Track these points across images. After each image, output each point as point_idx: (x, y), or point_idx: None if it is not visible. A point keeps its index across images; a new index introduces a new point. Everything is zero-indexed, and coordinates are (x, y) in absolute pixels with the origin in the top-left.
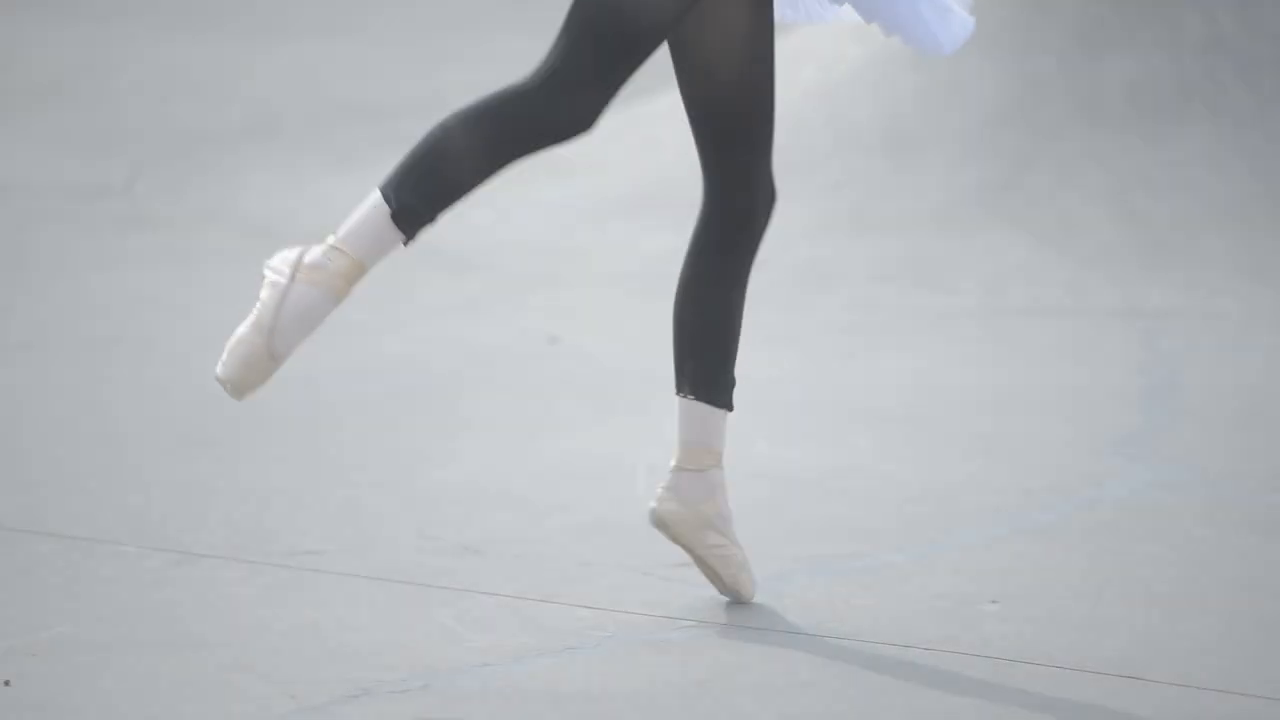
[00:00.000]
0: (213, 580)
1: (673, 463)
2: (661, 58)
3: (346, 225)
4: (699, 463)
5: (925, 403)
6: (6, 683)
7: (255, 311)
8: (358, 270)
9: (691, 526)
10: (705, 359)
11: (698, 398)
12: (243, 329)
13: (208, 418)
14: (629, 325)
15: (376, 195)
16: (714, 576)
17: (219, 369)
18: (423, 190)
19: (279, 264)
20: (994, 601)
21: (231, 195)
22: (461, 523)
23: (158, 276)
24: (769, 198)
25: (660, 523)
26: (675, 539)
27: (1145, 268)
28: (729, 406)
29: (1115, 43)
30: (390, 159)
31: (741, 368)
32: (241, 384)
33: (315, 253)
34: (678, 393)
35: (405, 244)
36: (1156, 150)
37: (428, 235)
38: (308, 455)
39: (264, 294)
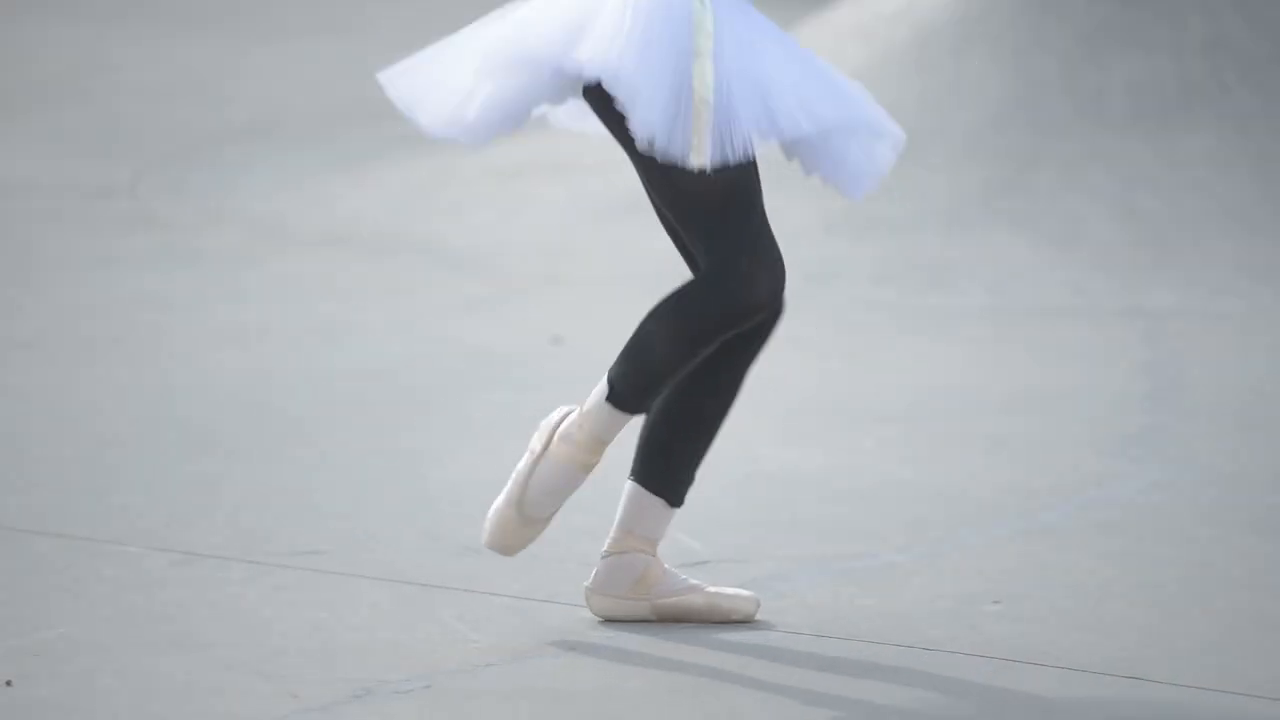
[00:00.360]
0: (215, 580)
1: (604, 546)
2: None
3: (590, 398)
4: (627, 546)
5: (928, 403)
6: (8, 683)
7: (511, 480)
8: (598, 444)
9: (635, 610)
10: (673, 459)
11: (650, 490)
12: (499, 501)
13: (210, 417)
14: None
15: (604, 378)
16: (701, 621)
17: (484, 538)
18: (634, 383)
19: (543, 428)
20: (997, 602)
21: (233, 195)
22: (464, 523)
23: (160, 276)
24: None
25: (599, 613)
26: (629, 618)
27: (1148, 268)
28: (680, 504)
29: (1119, 43)
30: (391, 159)
31: None
32: (506, 549)
33: (570, 421)
34: (631, 476)
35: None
36: (1160, 151)
37: (430, 234)
38: (309, 455)
39: (520, 463)
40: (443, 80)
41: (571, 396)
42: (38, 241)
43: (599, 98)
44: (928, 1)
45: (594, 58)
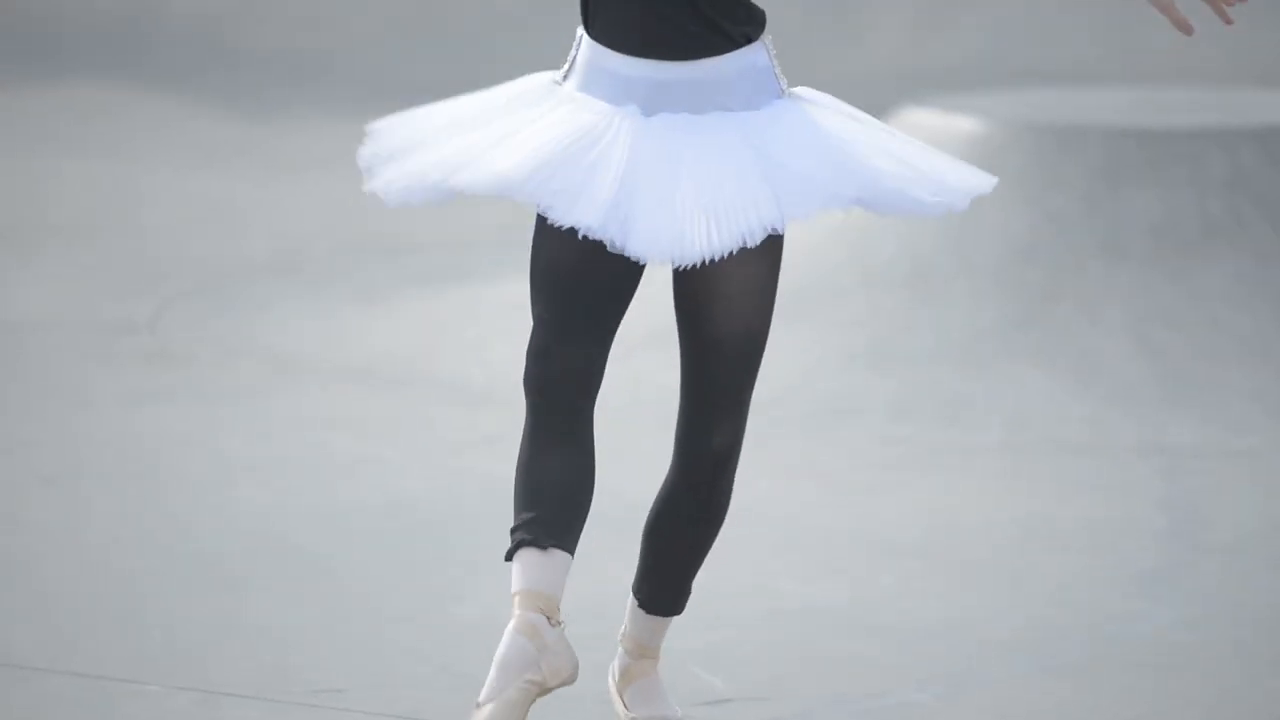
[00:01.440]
0: None
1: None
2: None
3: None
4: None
5: (947, 538)
6: None
7: None
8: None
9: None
10: (666, 581)
11: (649, 611)
12: None
13: (229, 553)
14: (651, 461)
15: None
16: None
17: None
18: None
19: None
20: None
21: (253, 329)
22: (486, 659)
23: (179, 411)
24: (728, 443)
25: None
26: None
27: (1168, 403)
28: (679, 613)
29: (1138, 179)
30: (411, 295)
31: (762, 501)
32: None
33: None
34: (632, 591)
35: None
36: (1179, 286)
37: (450, 369)
38: (330, 591)
39: None
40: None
41: (593, 528)
42: (57, 377)
43: None
44: (945, 139)
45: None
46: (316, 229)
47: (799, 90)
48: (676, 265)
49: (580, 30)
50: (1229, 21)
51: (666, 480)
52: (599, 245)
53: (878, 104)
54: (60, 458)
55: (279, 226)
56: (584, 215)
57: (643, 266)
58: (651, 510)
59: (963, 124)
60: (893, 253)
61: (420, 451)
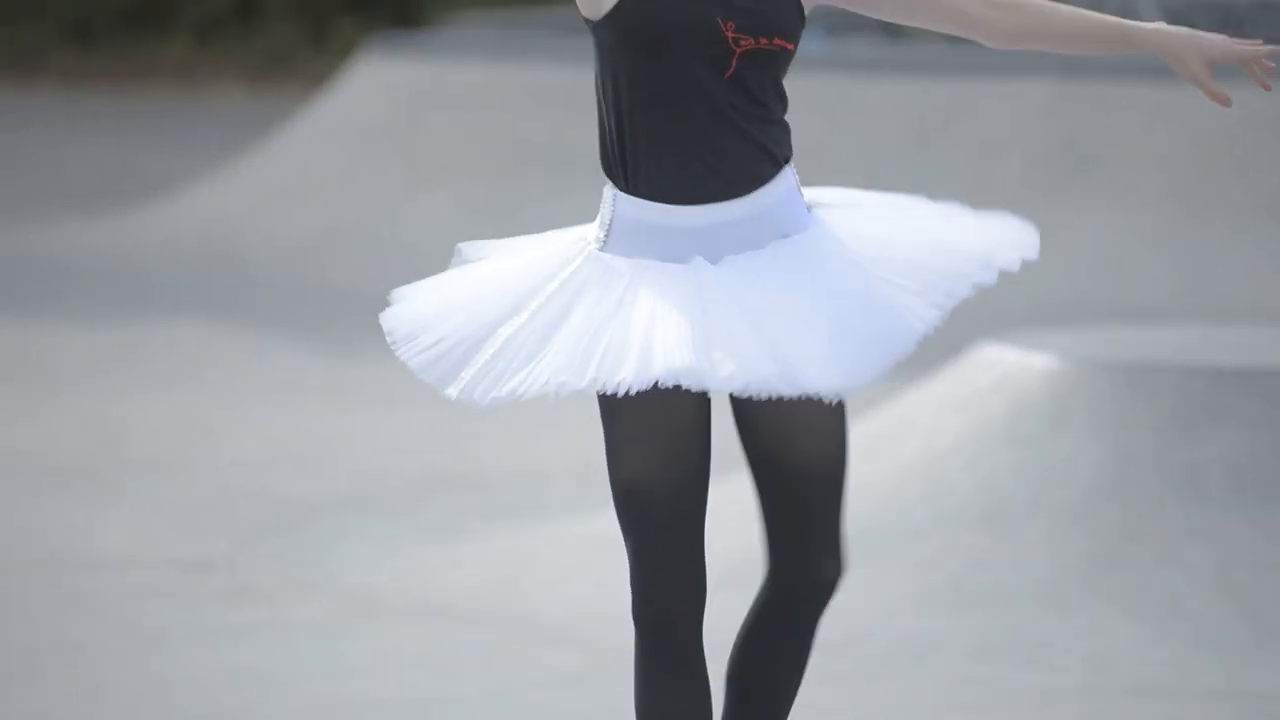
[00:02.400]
0: None
1: None
2: None
3: None
4: None
5: None
6: None
7: None
8: None
9: None
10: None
11: None
12: None
13: None
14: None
15: None
16: None
17: None
18: None
19: None
20: None
21: (329, 566)
22: None
23: (256, 649)
24: (838, 570)
25: None
26: None
27: (1251, 647)
28: None
29: (1214, 419)
30: (490, 530)
31: None
32: None
33: None
34: None
35: None
36: (1260, 528)
37: (526, 606)
38: None
39: None
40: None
41: None
42: (134, 617)
43: None
44: (1022, 376)
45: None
46: (393, 464)
47: (812, 198)
48: (783, 395)
49: (611, 190)
50: (1267, 88)
51: (759, 624)
52: (678, 421)
53: (954, 340)
54: (133, 698)
55: (356, 461)
56: (676, 359)
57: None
58: (741, 655)
59: (1038, 362)
60: (968, 491)
61: (500, 691)
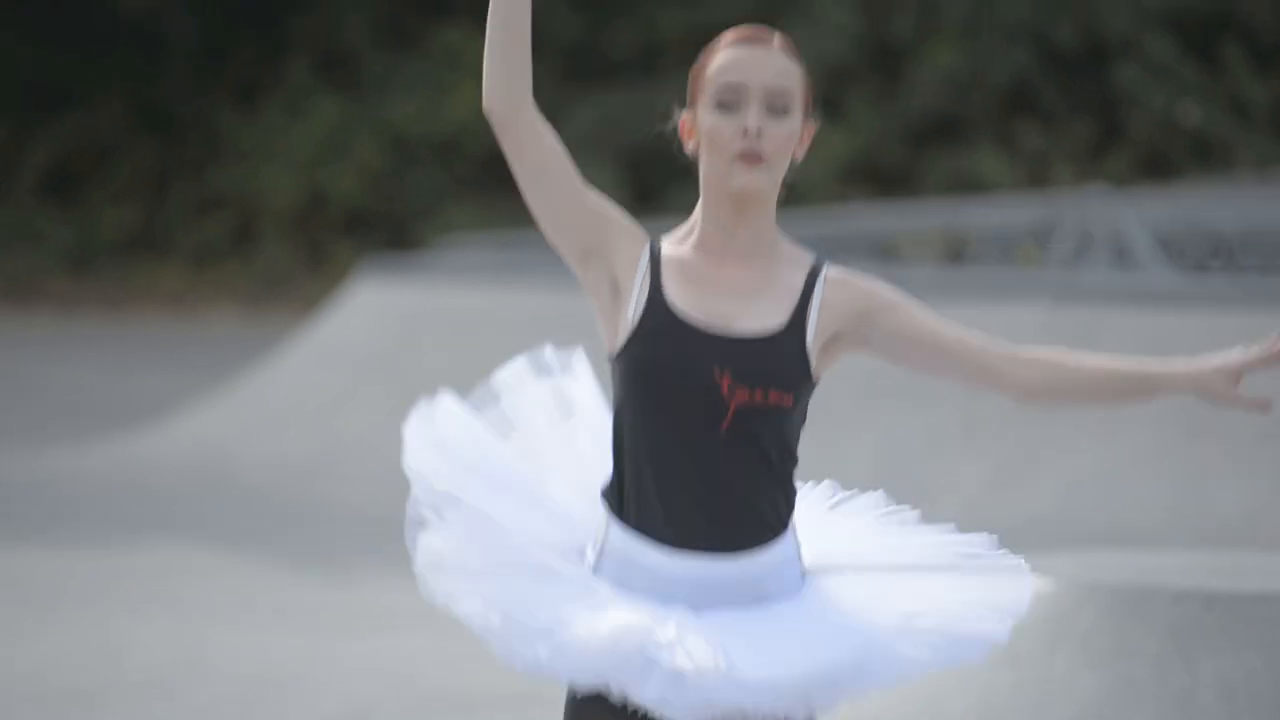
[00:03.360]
0: None
1: None
2: None
3: None
4: None
5: None
6: None
7: None
8: None
9: None
10: None
11: None
12: None
13: None
14: None
15: None
16: None
17: None
18: None
19: None
20: None
21: None
22: None
23: None
24: None
25: None
26: None
27: None
28: None
29: (1209, 643)
30: None
31: None
32: None
33: None
34: None
35: None
36: None
37: None
38: None
39: None
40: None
41: None
42: None
43: None
44: None
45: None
46: (385, 688)
47: (809, 558)
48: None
49: (606, 514)
50: (1266, 411)
51: None
52: None
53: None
54: None
55: (348, 686)
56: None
57: None
58: None
59: (1034, 583)
60: (965, 712)
61: None
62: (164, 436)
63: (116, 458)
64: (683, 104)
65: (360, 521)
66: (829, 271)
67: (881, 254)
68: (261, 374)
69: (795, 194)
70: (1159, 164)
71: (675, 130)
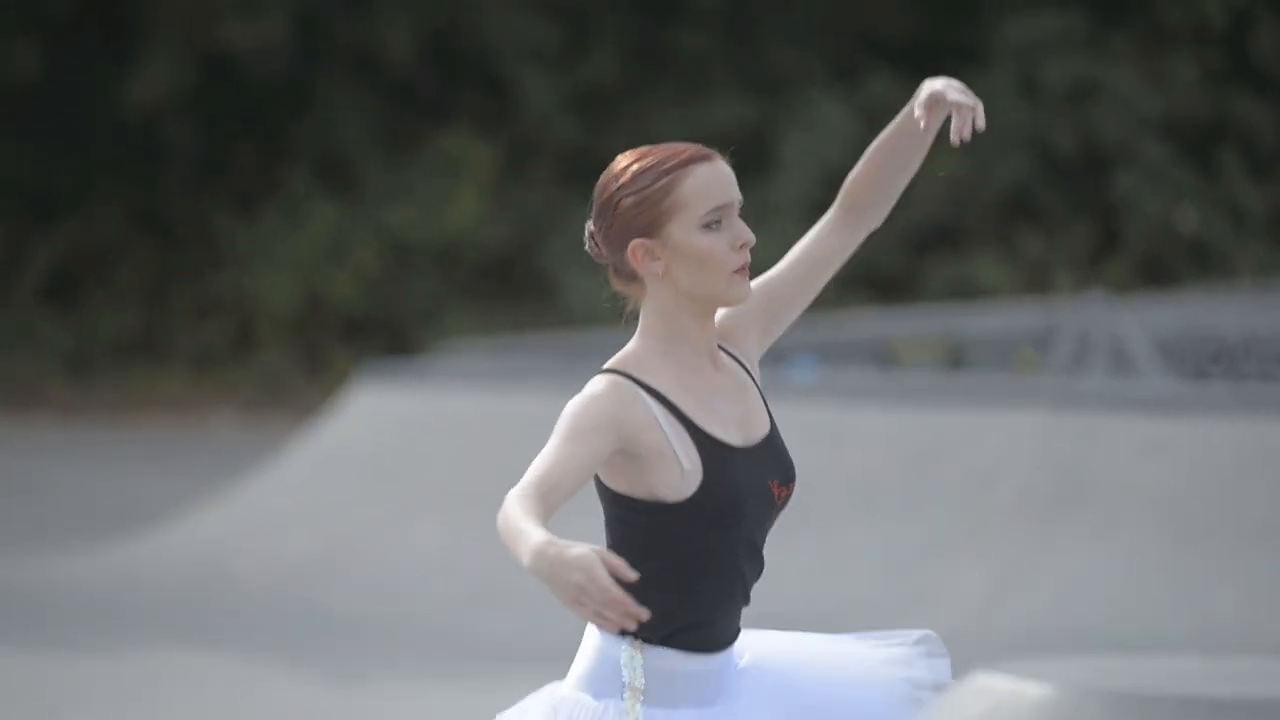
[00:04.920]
0: None
1: None
2: None
3: None
4: None
5: None
6: None
7: None
8: None
9: None
10: None
11: None
12: None
13: None
14: None
15: None
16: None
17: None
18: None
19: None
20: None
21: None
22: None
23: None
24: None
25: None
26: None
27: None
28: None
29: None
30: None
31: None
32: None
33: None
34: None
35: None
36: None
37: None
38: None
39: None
40: None
41: None
42: None
43: None
44: (1016, 705)
45: None
46: None
47: (740, 646)
48: None
49: (629, 649)
50: (960, 140)
51: None
52: None
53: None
54: None
55: None
56: None
57: None
58: None
59: (1033, 691)
60: None
61: None
62: (164, 541)
63: (117, 562)
64: (617, 231)
65: (360, 625)
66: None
67: (880, 359)
68: (261, 478)
69: None
70: (1158, 270)
71: (600, 253)
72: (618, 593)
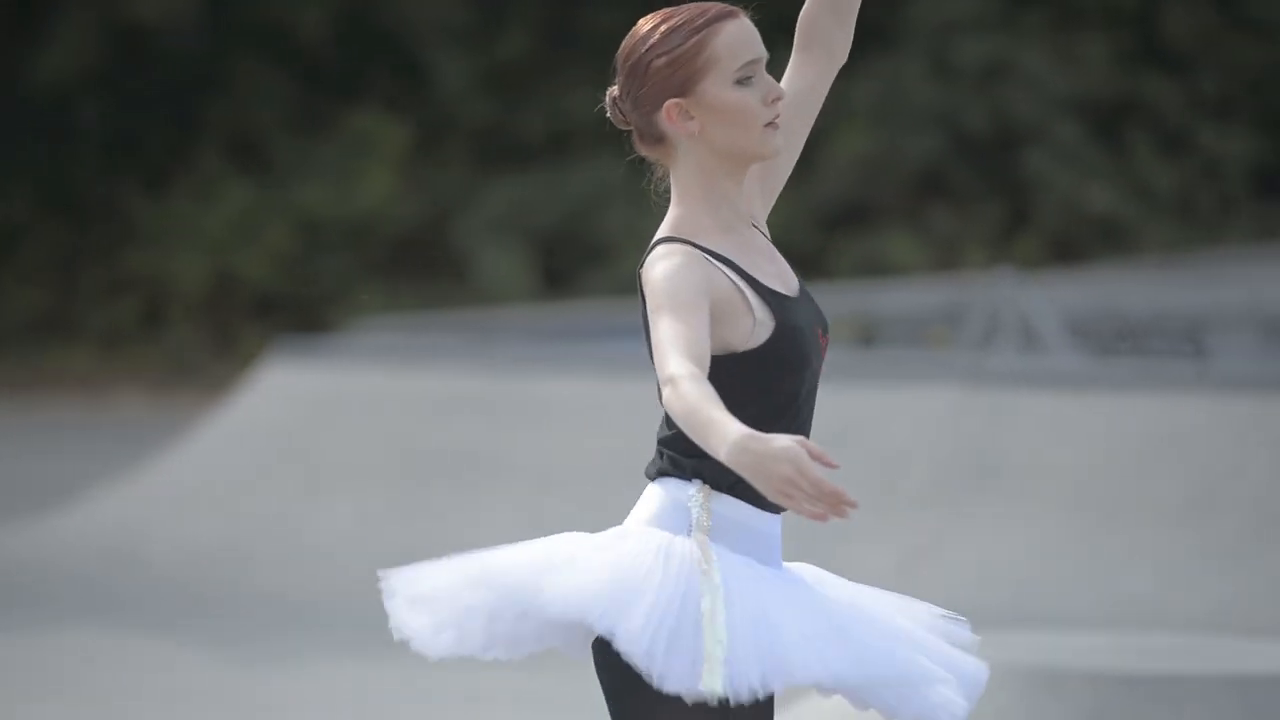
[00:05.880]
0: None
1: None
2: None
3: None
4: None
5: None
6: None
7: None
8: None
9: None
10: None
11: None
12: None
13: None
14: None
15: None
16: None
17: None
18: None
19: None
20: None
21: None
22: None
23: None
24: None
25: None
26: None
27: None
28: None
29: None
30: None
31: None
32: None
33: None
34: None
35: None
36: None
37: None
38: None
39: None
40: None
41: None
42: None
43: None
44: None
45: (561, 595)
46: None
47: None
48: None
49: (697, 491)
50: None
51: None
52: None
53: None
54: None
55: None
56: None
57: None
58: None
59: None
60: None
61: None
62: (71, 520)
63: (23, 541)
64: (650, 93)
65: (270, 604)
66: None
67: None
68: (171, 457)
69: None
70: (1068, 247)
71: (632, 114)
72: (829, 484)
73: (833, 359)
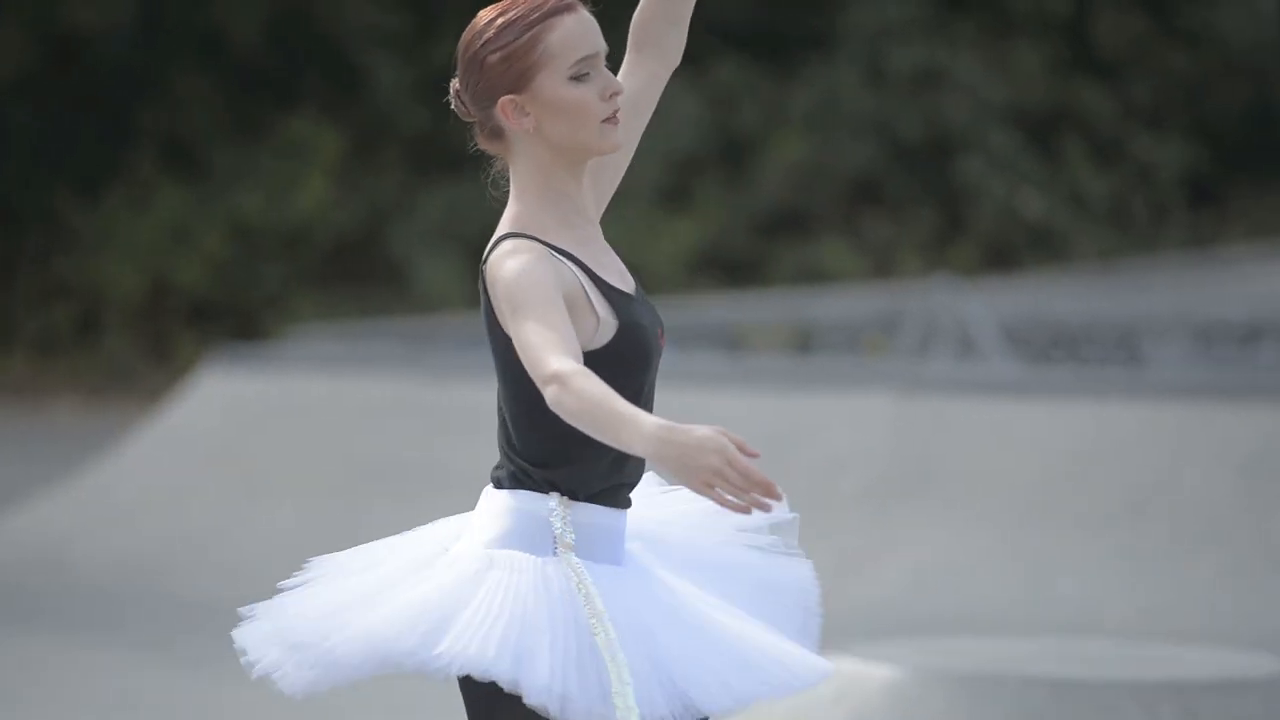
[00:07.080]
0: None
1: None
2: None
3: None
4: None
5: None
6: None
7: None
8: None
9: None
10: None
11: None
12: None
13: None
14: None
15: None
16: None
17: None
18: None
19: None
20: None
21: None
22: None
23: None
24: None
25: None
26: None
27: None
28: None
29: None
30: None
31: None
32: None
33: None
34: None
35: None
36: None
37: None
38: None
39: None
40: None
41: None
42: None
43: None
44: (864, 686)
45: (457, 653)
46: None
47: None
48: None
49: (556, 504)
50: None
51: None
52: None
53: None
54: None
55: None
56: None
57: None
58: None
59: (878, 672)
60: None
61: None
62: (4, 528)
63: None
64: (485, 89)
65: (204, 613)
66: None
67: (729, 344)
68: (105, 465)
69: (645, 283)
70: (1003, 254)
71: (472, 114)
72: (759, 473)
73: (770, 366)
